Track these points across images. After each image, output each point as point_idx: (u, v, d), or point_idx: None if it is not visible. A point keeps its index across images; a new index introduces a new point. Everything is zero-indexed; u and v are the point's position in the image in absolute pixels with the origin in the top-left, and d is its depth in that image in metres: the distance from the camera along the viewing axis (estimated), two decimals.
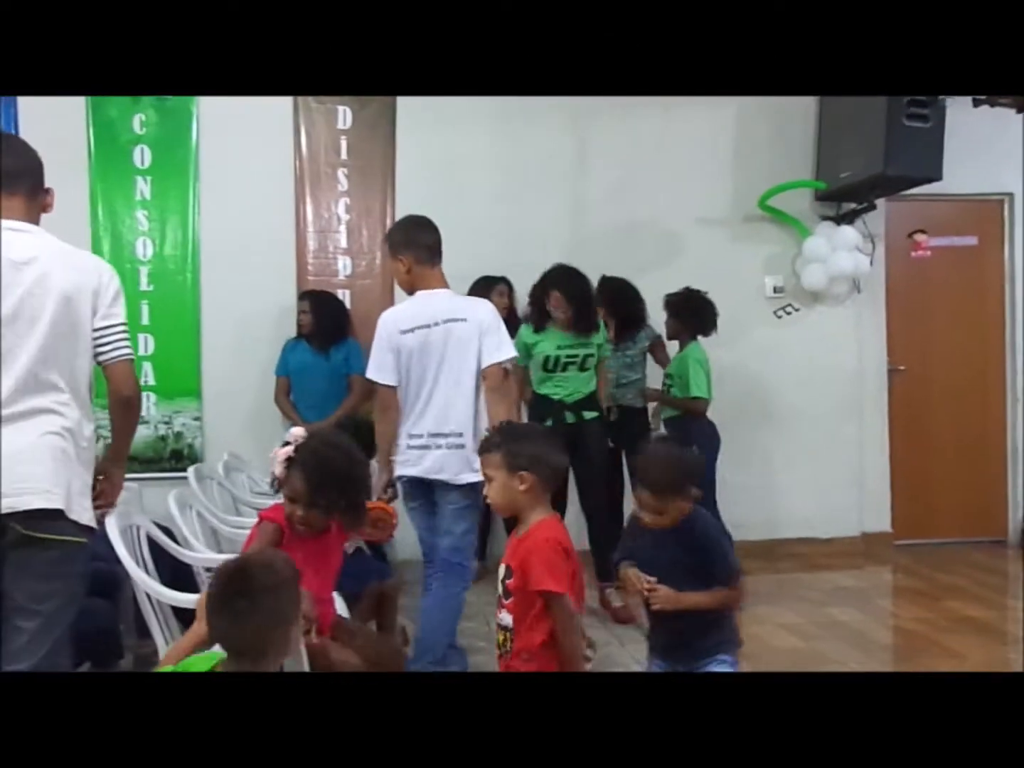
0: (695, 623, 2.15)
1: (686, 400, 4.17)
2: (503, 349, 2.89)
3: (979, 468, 5.37)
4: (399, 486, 3.01)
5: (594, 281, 4.15)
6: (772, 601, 4.12)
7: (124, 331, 2.10)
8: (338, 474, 2.24)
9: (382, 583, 3.11)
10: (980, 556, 5.07)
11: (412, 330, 2.88)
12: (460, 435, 2.84)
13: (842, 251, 4.91)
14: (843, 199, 5.03)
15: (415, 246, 2.93)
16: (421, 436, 2.88)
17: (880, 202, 4.99)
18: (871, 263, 5.04)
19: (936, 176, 4.51)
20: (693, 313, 4.24)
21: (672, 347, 4.49)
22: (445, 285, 2.99)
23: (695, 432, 3.98)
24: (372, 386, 3.00)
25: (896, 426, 5.27)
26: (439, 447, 2.86)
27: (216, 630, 1.51)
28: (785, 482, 4.94)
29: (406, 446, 2.93)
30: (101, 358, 2.08)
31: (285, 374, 4.51)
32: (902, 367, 5.28)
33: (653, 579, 2.11)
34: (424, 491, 2.94)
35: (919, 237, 5.30)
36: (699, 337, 4.27)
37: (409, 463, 2.91)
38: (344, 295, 4.75)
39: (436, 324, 2.86)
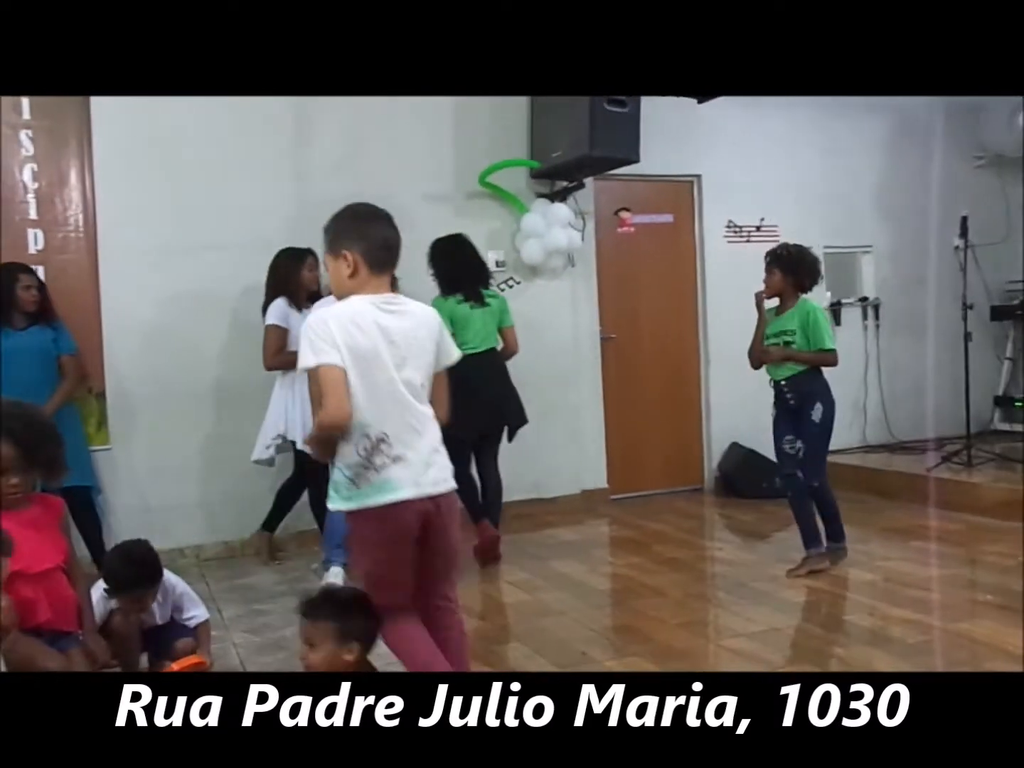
0: None
1: (818, 354, 3.86)
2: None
3: (679, 425, 5.96)
4: None
5: None
6: (503, 561, 4.35)
7: None
8: (45, 427, 2.37)
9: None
10: (682, 503, 5.65)
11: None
12: None
13: (556, 227, 5.21)
14: (555, 177, 5.32)
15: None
16: None
17: (589, 181, 5.34)
18: (583, 238, 5.39)
19: (634, 158, 4.90)
20: (807, 268, 3.92)
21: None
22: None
23: (818, 388, 3.86)
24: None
25: (609, 390, 5.71)
26: None
27: None
28: (513, 447, 5.17)
29: None
30: None
31: None
32: (613, 335, 5.72)
33: None
34: None
35: (623, 214, 5.74)
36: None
37: None
38: (38, 272, 4.29)
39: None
